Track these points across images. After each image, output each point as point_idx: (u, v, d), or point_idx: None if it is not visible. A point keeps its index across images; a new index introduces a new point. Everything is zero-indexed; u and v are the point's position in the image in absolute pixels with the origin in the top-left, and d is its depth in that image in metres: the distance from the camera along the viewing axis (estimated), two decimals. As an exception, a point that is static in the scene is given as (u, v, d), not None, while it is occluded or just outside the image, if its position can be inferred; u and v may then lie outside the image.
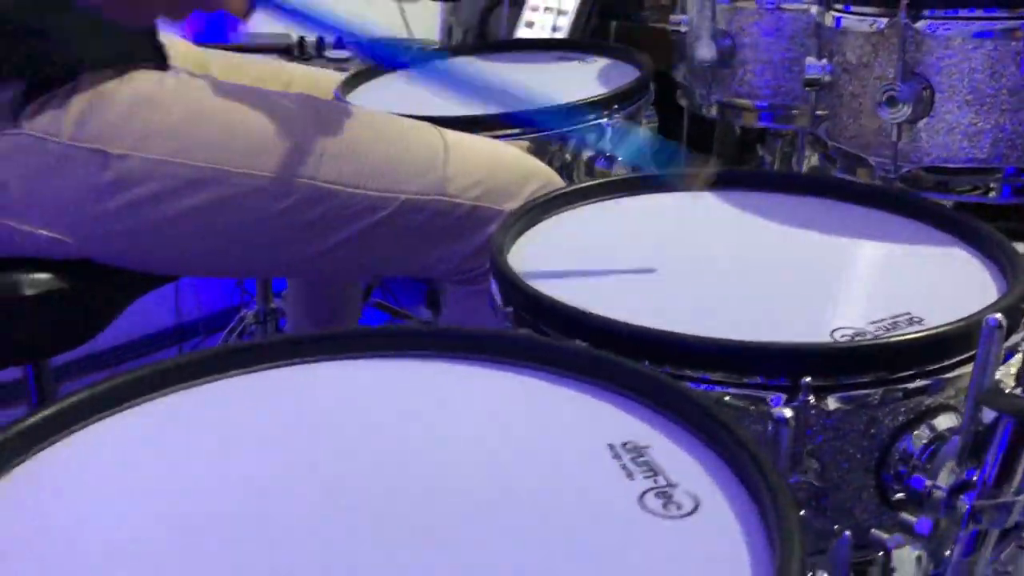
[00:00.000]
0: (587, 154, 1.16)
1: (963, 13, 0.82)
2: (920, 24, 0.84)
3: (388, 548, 0.44)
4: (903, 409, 0.60)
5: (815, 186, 0.89)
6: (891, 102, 0.86)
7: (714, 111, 1.24)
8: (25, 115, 0.81)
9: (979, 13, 0.82)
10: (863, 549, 0.57)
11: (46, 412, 0.51)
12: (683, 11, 1.29)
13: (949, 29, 0.83)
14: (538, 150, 1.11)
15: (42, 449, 0.50)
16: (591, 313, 0.63)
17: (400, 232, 0.94)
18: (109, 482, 0.49)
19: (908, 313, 0.66)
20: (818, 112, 1.01)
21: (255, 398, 0.57)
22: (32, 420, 0.50)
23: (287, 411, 0.56)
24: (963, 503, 0.44)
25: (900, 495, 0.56)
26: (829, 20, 0.96)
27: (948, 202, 0.90)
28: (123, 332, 1.35)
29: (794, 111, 1.18)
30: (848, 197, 0.87)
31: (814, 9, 0.98)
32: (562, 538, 0.45)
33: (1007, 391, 0.46)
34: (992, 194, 0.89)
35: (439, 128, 0.99)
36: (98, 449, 0.51)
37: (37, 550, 0.44)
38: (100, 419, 0.53)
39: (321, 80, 1.21)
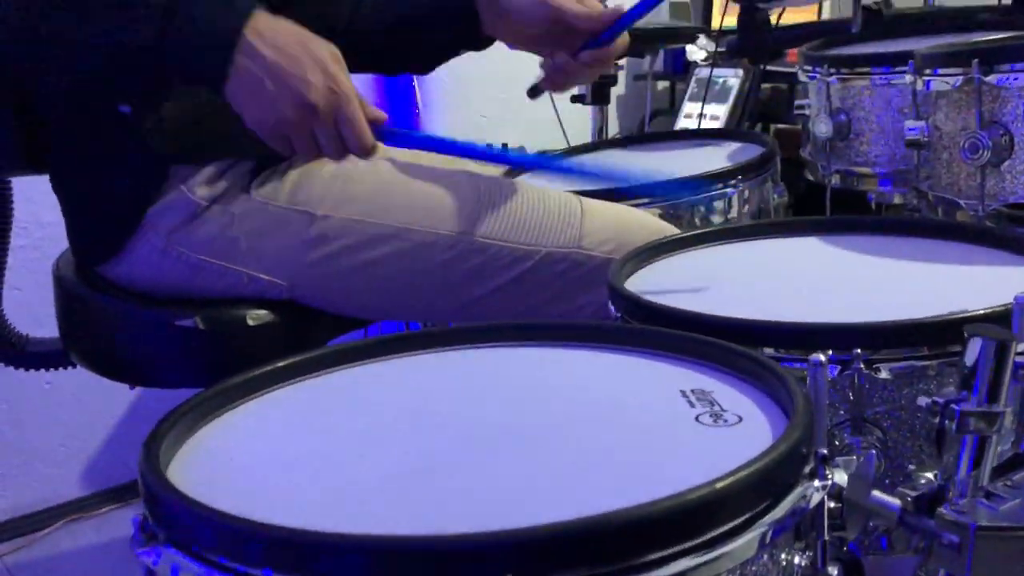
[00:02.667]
0: (715, 219, 1.31)
1: (1029, 65, 0.93)
2: (991, 78, 0.95)
3: (524, 449, 0.60)
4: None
5: (900, 226, 1.00)
6: (973, 148, 0.97)
7: (835, 180, 1.36)
8: (254, 185, 1.05)
9: (1044, 64, 0.92)
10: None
11: (255, 372, 0.70)
12: (807, 95, 1.43)
13: (1017, 80, 0.93)
14: (670, 216, 1.27)
15: (257, 396, 0.70)
16: (683, 309, 0.77)
17: (544, 281, 1.11)
18: (298, 416, 0.68)
19: (965, 310, 0.75)
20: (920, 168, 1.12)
21: (414, 371, 0.75)
22: (249, 375, 0.70)
23: (444, 376, 0.73)
24: (952, 410, 0.54)
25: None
26: (920, 85, 1.08)
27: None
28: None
29: (910, 174, 1.28)
30: (930, 233, 0.97)
31: (908, 78, 1.10)
32: (639, 437, 0.60)
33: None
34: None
35: (578, 195, 1.17)
36: (291, 399, 0.71)
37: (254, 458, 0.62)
38: (292, 383, 0.73)
39: (485, 170, 1.42)
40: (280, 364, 0.72)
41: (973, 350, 0.55)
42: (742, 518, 0.48)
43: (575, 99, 1.81)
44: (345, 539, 0.45)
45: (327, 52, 0.90)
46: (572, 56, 1.13)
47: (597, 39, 1.11)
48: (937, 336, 0.70)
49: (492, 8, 1.14)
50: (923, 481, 0.62)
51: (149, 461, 0.55)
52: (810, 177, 1.46)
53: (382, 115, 0.95)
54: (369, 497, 0.54)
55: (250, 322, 1.05)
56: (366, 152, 0.93)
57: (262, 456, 0.61)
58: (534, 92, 1.22)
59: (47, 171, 1.13)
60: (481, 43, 1.20)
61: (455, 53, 1.23)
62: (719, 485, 0.47)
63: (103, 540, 1.90)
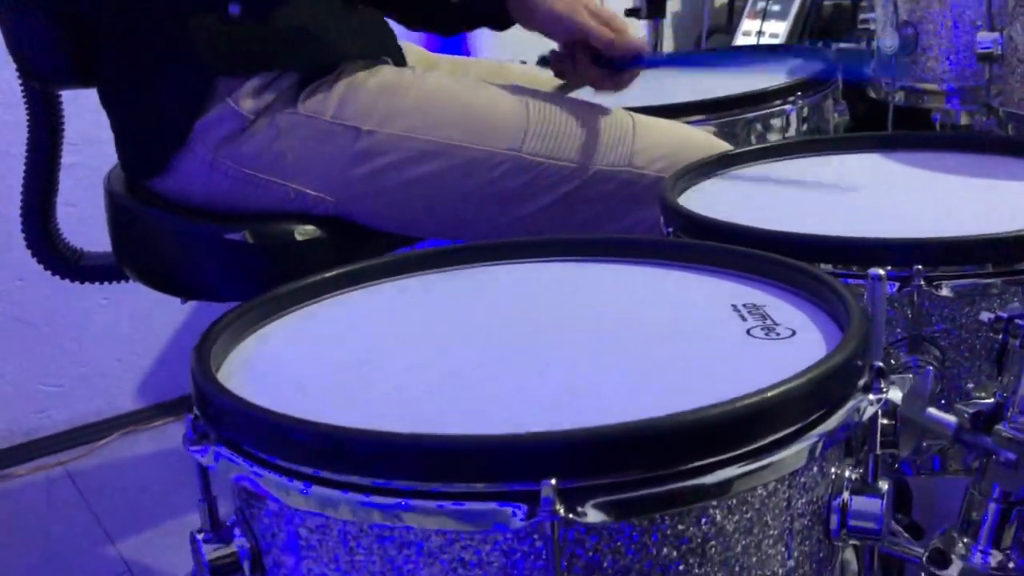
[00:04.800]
0: (772, 138, 1.27)
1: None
2: (1077, -16, 0.89)
3: (574, 358, 0.59)
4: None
5: (966, 142, 0.96)
6: (1050, 60, 0.92)
7: (899, 98, 1.30)
8: (300, 98, 1.04)
9: None
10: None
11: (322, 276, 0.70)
12: (872, 8, 1.37)
13: (1105, -15, 0.87)
14: (725, 134, 1.24)
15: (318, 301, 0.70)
16: (731, 223, 0.75)
17: (594, 199, 1.09)
18: (362, 318, 0.68)
19: (1033, 227, 0.72)
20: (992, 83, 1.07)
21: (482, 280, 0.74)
22: (299, 284, 0.70)
23: (504, 287, 0.73)
24: (1017, 326, 0.52)
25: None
26: (997, -7, 1.02)
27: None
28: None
29: (979, 91, 1.22)
30: (998, 150, 0.93)
31: (984, -14, 1.04)
32: (689, 349, 0.59)
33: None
34: None
35: (630, 112, 1.14)
36: (342, 308, 0.70)
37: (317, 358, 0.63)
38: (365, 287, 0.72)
39: (539, 77, 1.38)
40: (330, 274, 0.71)
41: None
42: (792, 428, 0.47)
43: (629, 13, 1.75)
44: (392, 437, 0.44)
45: None
46: (590, 59, 1.11)
47: (615, 62, 1.11)
48: (1004, 253, 0.67)
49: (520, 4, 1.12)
50: (981, 399, 0.60)
51: (200, 362, 0.55)
52: (872, 95, 1.40)
53: None
54: (419, 400, 0.54)
55: (298, 237, 1.05)
56: None
57: (312, 361, 0.61)
58: (543, 62, 1.23)
59: (96, 85, 1.13)
60: (503, 24, 1.19)
61: (476, 25, 1.23)
62: (770, 394, 0.46)
63: (158, 451, 1.97)
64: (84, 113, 1.39)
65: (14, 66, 1.15)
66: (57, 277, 1.30)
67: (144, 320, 2.06)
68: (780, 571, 0.48)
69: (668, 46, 2.15)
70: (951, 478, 0.89)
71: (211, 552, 0.51)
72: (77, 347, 2.01)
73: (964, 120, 1.37)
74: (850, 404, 0.50)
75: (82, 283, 1.28)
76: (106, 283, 1.30)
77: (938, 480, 1.11)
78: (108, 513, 1.78)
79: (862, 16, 1.41)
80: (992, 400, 0.57)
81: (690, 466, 0.44)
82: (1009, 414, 0.55)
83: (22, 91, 1.18)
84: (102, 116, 1.13)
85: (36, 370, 1.98)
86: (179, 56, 1.03)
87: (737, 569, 0.46)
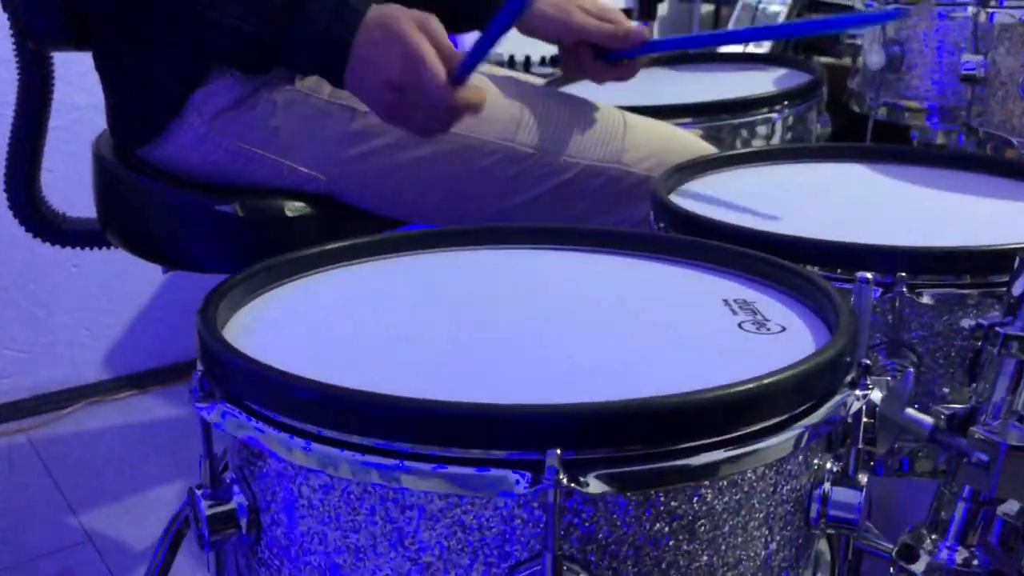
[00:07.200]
0: (756, 143, 1.29)
1: (1101, 2, 0.90)
2: (1060, 12, 0.92)
3: (566, 342, 0.60)
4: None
5: (947, 159, 0.99)
6: (1031, 84, 0.95)
7: (882, 113, 1.34)
8: (298, 76, 1.05)
9: (1115, 1, 0.89)
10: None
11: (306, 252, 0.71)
12: (859, 25, 1.40)
13: (1087, 15, 0.91)
14: (711, 138, 1.26)
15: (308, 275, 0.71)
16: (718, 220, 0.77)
17: (582, 194, 1.11)
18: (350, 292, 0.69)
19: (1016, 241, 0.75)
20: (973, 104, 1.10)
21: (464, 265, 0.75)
22: (298, 254, 0.71)
23: (495, 270, 0.74)
24: (996, 333, 0.55)
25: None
26: (983, 17, 1.05)
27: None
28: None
29: (960, 111, 1.26)
30: (976, 168, 0.96)
31: (971, 10, 1.08)
32: (681, 339, 0.60)
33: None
34: None
35: (621, 111, 1.15)
36: (342, 279, 0.71)
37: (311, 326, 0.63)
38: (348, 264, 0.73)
39: (531, 78, 1.40)
40: (329, 247, 0.73)
41: (1024, 275, 0.55)
42: (780, 418, 0.49)
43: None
44: (398, 401, 0.46)
45: (400, 20, 0.90)
46: (594, 55, 1.14)
47: (619, 53, 1.13)
48: (983, 264, 0.70)
49: None
50: (951, 405, 0.63)
51: (206, 321, 0.56)
52: (855, 109, 1.43)
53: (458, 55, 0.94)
54: (423, 368, 0.55)
55: (288, 213, 1.06)
56: (443, 123, 0.95)
57: (315, 327, 0.62)
58: (553, 63, 1.25)
59: (90, 48, 1.12)
60: None
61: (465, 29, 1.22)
62: (766, 382, 0.47)
63: (123, 424, 1.95)
64: (70, 77, 1.38)
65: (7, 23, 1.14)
66: (28, 244, 1.29)
67: (114, 290, 2.05)
68: (763, 553, 0.50)
69: (655, 50, 2.18)
70: (910, 487, 0.92)
71: (209, 508, 0.51)
72: (45, 314, 1.99)
73: (940, 139, 1.41)
74: (837, 398, 0.52)
75: (63, 247, 1.27)
76: (85, 248, 1.29)
77: (898, 488, 1.14)
78: (69, 483, 1.76)
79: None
80: (967, 405, 0.59)
81: (688, 445, 0.46)
82: (983, 418, 0.58)
83: (14, 50, 1.17)
84: (86, 82, 1.12)
85: (2, 335, 1.96)
86: (182, 25, 1.03)
87: (723, 548, 0.48)
